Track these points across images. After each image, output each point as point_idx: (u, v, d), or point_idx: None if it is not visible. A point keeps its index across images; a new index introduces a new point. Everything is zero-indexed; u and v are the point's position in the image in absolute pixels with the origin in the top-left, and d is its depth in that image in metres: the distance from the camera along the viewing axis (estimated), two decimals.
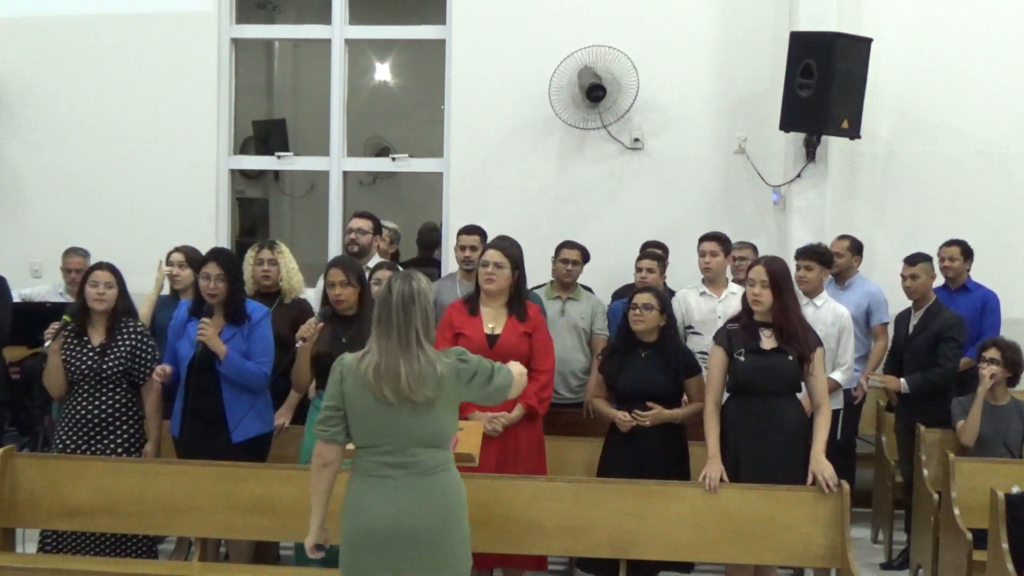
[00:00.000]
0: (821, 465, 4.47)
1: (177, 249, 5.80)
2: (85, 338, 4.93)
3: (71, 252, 6.73)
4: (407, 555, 3.43)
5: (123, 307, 5.00)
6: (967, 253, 6.41)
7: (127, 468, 4.76)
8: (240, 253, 5.74)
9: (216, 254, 5.03)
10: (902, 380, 5.85)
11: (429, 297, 3.53)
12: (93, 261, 6.61)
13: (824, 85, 6.62)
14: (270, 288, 5.53)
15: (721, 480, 4.50)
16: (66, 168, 7.69)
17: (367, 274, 5.39)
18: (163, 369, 4.93)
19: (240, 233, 8.86)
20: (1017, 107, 7.20)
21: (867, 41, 6.79)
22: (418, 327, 3.45)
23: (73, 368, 4.89)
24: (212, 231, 7.61)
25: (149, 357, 5.01)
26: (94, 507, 4.69)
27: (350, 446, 3.61)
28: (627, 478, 4.70)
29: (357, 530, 3.47)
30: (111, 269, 5.01)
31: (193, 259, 5.63)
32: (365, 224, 6.14)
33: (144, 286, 5.79)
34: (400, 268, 5.67)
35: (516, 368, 3.72)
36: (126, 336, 4.97)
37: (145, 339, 5.03)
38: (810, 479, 4.48)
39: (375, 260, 5.98)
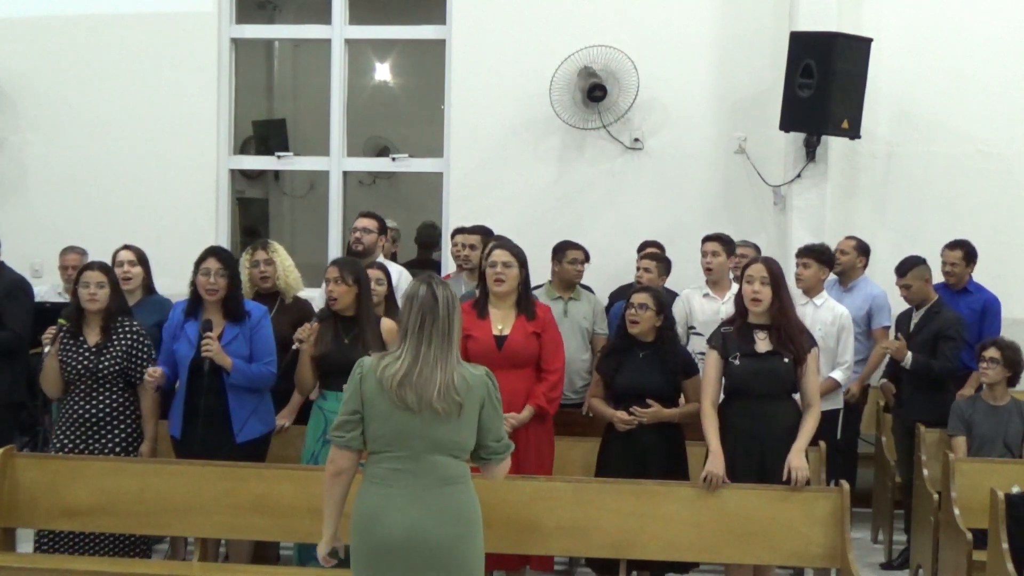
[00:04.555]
0: (799, 460, 4.46)
1: (126, 247, 5.57)
2: (81, 338, 4.90)
3: (68, 251, 6.71)
4: (420, 569, 3.30)
5: (117, 306, 4.96)
6: (969, 256, 6.32)
7: (127, 468, 4.76)
8: (240, 253, 5.69)
9: (215, 250, 5.02)
10: (909, 353, 5.77)
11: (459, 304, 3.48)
12: (91, 261, 6.64)
13: (824, 85, 6.62)
14: (269, 289, 5.49)
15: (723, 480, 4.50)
16: (66, 168, 7.68)
17: None
18: (154, 371, 4.86)
19: (241, 233, 8.85)
20: (1017, 107, 7.18)
21: (867, 41, 6.79)
22: (456, 334, 3.40)
23: (70, 368, 4.87)
24: (212, 231, 7.59)
25: (145, 356, 4.98)
26: (94, 507, 4.69)
27: None
28: (625, 478, 4.69)
29: (369, 544, 3.34)
30: (102, 268, 4.98)
31: (142, 258, 5.54)
32: (370, 223, 6.14)
33: None
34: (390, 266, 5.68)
35: (508, 458, 3.57)
36: (122, 335, 4.94)
37: (141, 338, 4.99)
38: (785, 472, 4.46)
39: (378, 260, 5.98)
